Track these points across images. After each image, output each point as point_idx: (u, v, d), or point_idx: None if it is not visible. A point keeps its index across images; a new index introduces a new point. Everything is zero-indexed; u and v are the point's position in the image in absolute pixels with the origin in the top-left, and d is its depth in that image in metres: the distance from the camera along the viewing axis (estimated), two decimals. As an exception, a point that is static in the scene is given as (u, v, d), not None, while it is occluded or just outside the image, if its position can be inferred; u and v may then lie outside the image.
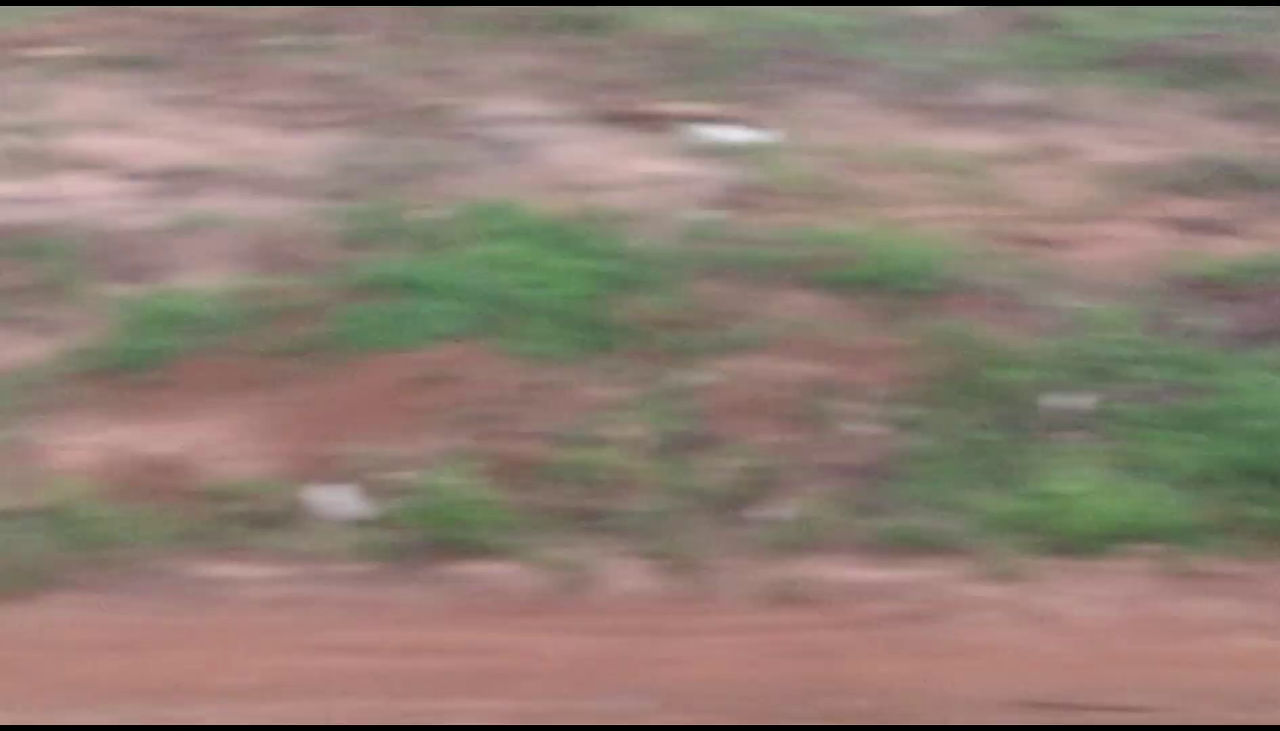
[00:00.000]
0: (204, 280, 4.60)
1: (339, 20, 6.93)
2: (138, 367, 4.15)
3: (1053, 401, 4.14)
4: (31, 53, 6.51)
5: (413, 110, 6.09)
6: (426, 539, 3.56)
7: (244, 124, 5.88)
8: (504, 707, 3.13)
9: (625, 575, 3.51)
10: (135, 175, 5.39)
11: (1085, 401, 4.14)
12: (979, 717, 3.32)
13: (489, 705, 3.13)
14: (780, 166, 5.51)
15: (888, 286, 4.62)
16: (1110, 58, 6.81)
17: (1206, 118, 6.25)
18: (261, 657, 3.20)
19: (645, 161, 5.61)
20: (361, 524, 3.61)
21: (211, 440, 3.90)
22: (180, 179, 5.35)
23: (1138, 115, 6.24)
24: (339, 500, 3.69)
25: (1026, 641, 3.44)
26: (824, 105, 6.25)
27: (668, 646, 3.30)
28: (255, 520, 3.60)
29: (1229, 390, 4.17)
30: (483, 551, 3.54)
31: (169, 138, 5.75)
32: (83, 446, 3.83)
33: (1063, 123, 6.20)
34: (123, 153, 5.56)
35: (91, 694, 3.07)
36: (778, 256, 4.78)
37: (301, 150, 5.61)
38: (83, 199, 5.14)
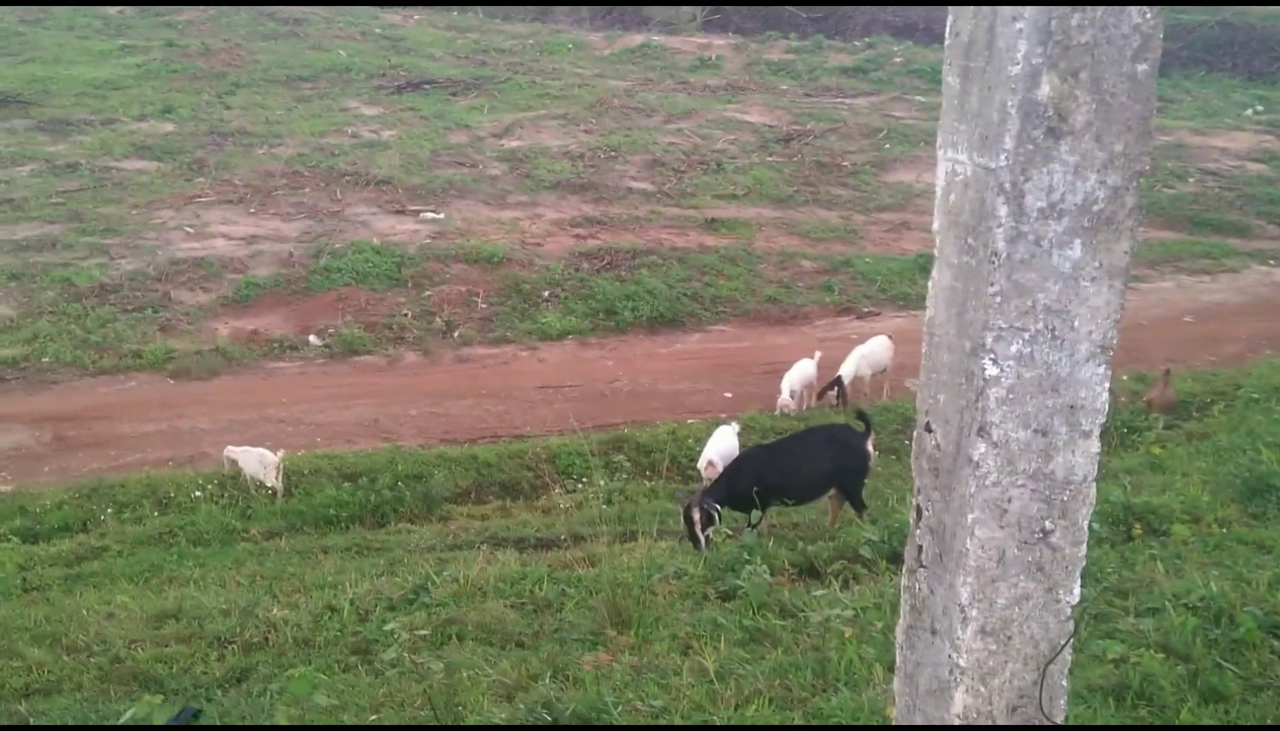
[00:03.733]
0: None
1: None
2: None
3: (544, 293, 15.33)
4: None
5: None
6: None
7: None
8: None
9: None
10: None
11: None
12: (524, 395, 12.83)
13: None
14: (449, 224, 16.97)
15: (485, 261, 15.93)
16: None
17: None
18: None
19: (409, 224, 17.01)
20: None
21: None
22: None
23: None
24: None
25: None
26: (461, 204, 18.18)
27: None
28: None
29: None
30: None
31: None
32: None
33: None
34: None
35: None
36: (453, 251, 16.12)
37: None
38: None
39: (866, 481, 8.49)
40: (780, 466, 8.24)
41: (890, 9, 31.63)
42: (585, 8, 33.16)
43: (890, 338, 12.63)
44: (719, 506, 8.01)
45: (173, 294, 14.76)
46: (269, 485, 10.29)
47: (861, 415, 8.85)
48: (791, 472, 8.19)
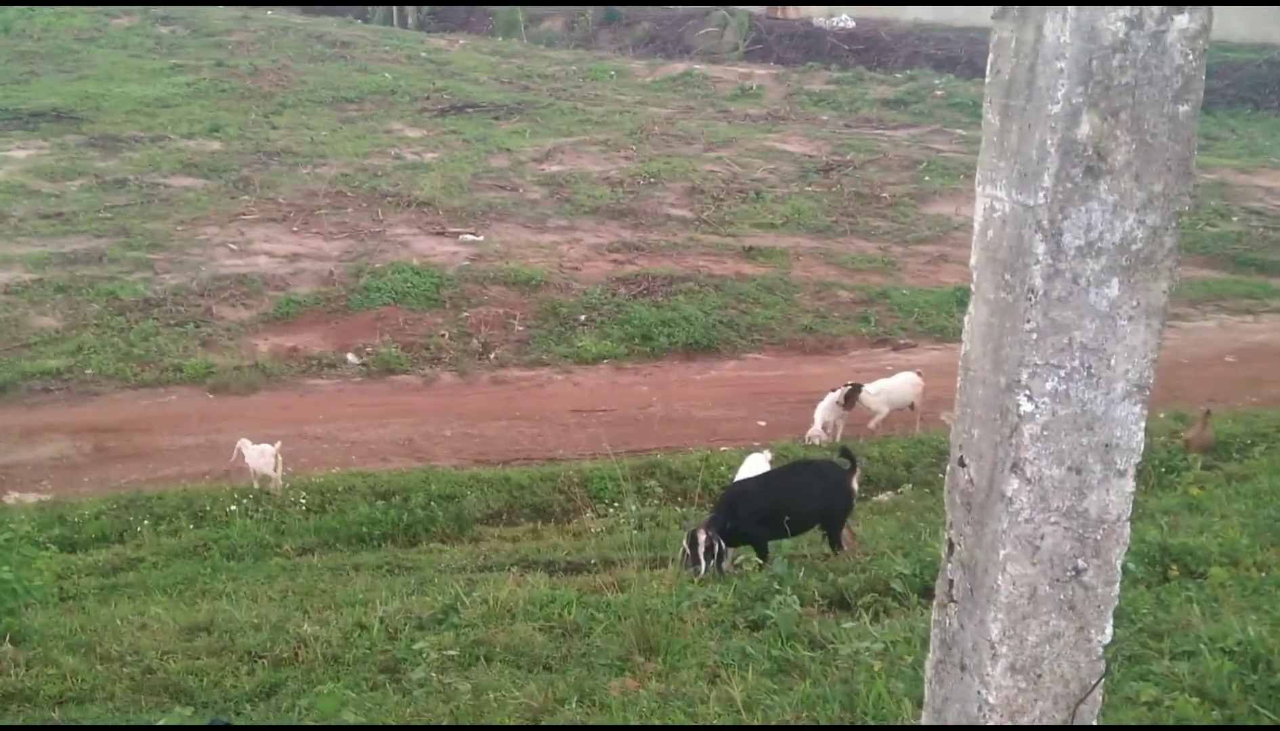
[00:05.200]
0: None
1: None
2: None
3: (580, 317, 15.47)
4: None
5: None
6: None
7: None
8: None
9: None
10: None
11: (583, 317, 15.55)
12: (558, 418, 12.83)
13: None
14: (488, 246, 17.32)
15: (523, 284, 15.96)
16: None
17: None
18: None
19: (449, 246, 17.16)
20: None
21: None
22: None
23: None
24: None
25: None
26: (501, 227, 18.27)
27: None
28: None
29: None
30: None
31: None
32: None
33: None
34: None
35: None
36: (491, 274, 16.23)
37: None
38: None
39: (849, 519, 8.35)
40: (772, 500, 8.05)
41: (932, 43, 31.65)
42: (629, 38, 33.45)
43: (920, 374, 12.54)
44: (722, 539, 7.90)
45: (215, 309, 14.98)
46: (270, 478, 10.67)
47: (846, 452, 8.72)
48: (783, 507, 7.97)
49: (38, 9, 31.31)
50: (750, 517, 7.93)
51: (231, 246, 16.97)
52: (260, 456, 10.64)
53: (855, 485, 8.38)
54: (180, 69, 27.46)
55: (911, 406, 12.46)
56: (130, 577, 9.08)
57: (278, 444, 10.77)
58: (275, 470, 10.65)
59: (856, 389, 11.96)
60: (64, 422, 12.31)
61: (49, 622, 7.34)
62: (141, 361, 13.62)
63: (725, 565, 7.83)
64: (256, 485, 10.79)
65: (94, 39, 30.08)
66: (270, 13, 33.81)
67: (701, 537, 7.70)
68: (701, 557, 7.66)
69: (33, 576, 7.51)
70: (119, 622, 7.32)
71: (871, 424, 12.29)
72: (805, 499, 8.05)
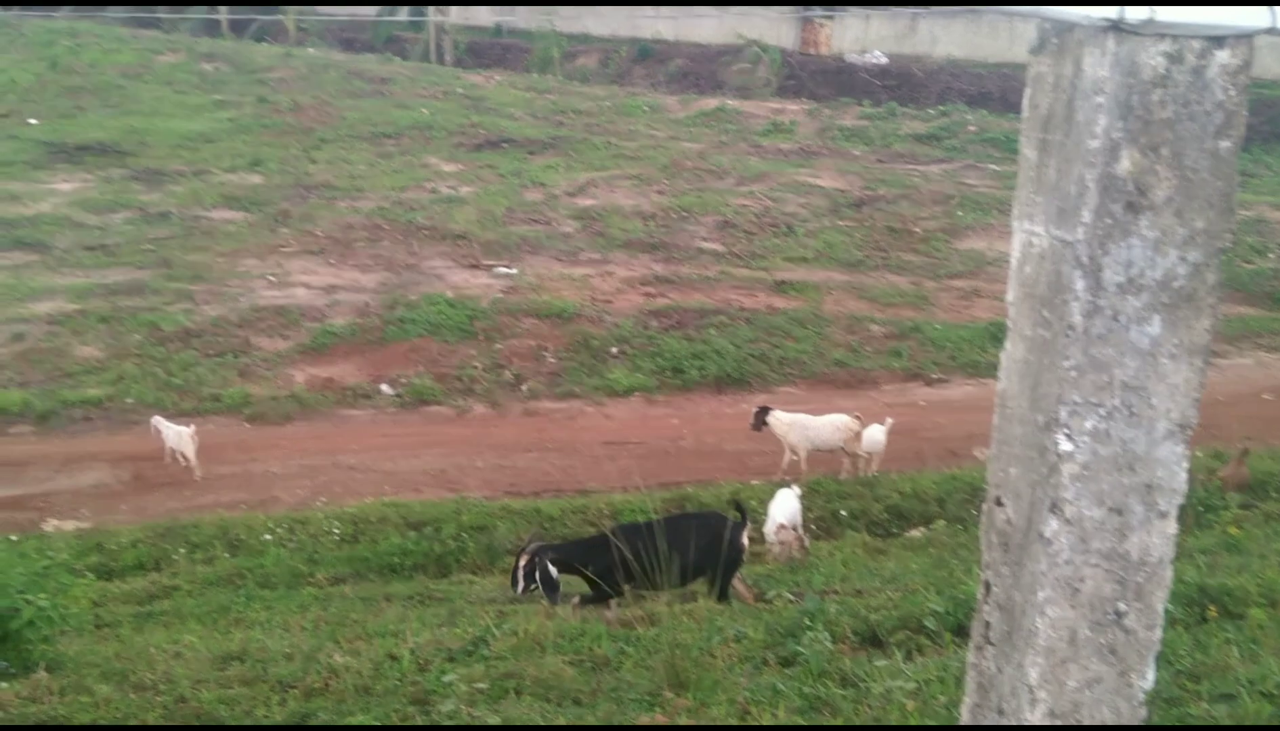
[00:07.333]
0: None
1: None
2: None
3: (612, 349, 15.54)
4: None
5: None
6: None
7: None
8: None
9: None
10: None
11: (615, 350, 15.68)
12: (590, 450, 12.87)
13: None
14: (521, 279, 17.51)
15: (555, 316, 16.11)
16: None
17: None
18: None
19: (483, 279, 17.36)
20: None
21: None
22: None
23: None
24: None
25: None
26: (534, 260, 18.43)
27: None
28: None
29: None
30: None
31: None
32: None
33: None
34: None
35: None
36: (524, 306, 16.39)
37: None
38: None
39: (738, 572, 8.07)
40: (647, 550, 7.39)
41: (965, 78, 31.64)
42: (662, 74, 33.70)
43: (857, 417, 11.96)
44: (557, 569, 7.65)
45: (253, 340, 15.15)
46: (189, 457, 11.94)
47: (738, 504, 8.40)
48: (657, 556, 7.33)
49: (85, 45, 31.99)
50: (620, 563, 7.41)
51: (270, 278, 17.18)
52: (178, 437, 11.92)
53: (746, 539, 8.11)
54: (223, 105, 27.93)
55: (843, 450, 11.89)
56: (165, 606, 9.14)
57: (193, 426, 12.01)
58: (189, 450, 11.93)
59: (764, 411, 11.79)
60: (104, 451, 12.46)
61: (84, 650, 7.39)
62: (180, 391, 13.78)
63: (557, 597, 7.73)
64: (168, 460, 12.12)
65: (139, 75, 30.68)
66: (311, 50, 34.37)
67: (523, 560, 7.74)
68: (520, 579, 7.74)
69: (69, 604, 7.56)
70: (153, 651, 7.36)
71: (784, 462, 11.99)
72: (685, 552, 7.63)
